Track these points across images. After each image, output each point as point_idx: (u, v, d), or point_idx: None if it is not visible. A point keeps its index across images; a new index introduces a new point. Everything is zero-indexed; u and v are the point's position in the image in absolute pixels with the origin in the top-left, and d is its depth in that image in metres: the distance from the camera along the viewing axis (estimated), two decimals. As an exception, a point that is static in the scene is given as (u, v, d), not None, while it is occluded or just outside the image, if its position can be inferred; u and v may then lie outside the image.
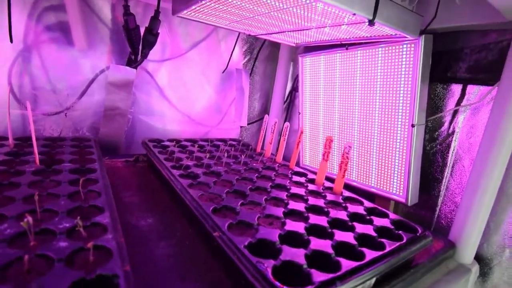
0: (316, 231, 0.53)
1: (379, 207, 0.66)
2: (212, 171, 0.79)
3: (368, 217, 0.61)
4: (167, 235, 0.61)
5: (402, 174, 0.81)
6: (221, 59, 1.23)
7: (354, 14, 0.57)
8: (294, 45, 1.10)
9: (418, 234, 0.56)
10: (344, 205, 0.66)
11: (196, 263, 0.53)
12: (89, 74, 0.94)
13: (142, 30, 0.92)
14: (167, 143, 0.99)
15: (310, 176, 0.85)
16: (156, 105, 1.11)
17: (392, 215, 0.63)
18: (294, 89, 1.31)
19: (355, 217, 0.61)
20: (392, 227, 0.58)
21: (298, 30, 0.84)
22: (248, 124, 1.35)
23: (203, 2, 0.63)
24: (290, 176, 0.83)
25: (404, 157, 0.80)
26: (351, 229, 0.55)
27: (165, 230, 0.62)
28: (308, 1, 0.55)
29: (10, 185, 0.55)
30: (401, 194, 0.81)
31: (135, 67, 0.92)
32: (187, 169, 0.78)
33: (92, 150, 0.81)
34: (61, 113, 0.91)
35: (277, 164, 0.93)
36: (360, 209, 0.64)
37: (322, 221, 0.57)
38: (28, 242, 0.40)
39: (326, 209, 0.62)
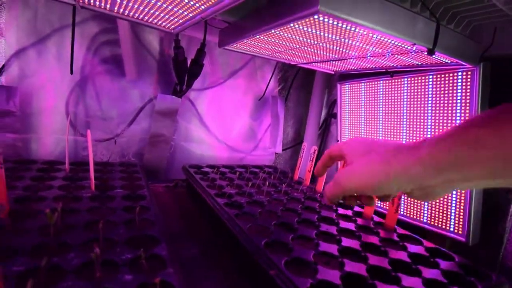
0: (378, 273, 0.49)
1: (442, 248, 0.61)
2: (254, 201, 0.78)
3: (432, 259, 0.56)
4: (213, 268, 0.59)
5: (461, 209, 0.75)
6: (257, 87, 1.25)
7: (414, 44, 0.56)
8: (332, 72, 1.10)
9: (493, 282, 0.50)
10: (401, 244, 0.62)
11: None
12: (138, 103, 0.98)
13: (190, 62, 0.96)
14: (206, 169, 1.00)
15: (356, 209, 0.81)
16: (195, 132, 1.14)
17: (458, 258, 0.58)
18: (331, 115, 1.30)
19: (417, 258, 0.56)
20: (461, 271, 0.53)
21: (342, 59, 0.84)
22: (282, 150, 1.34)
23: (257, 36, 0.65)
24: (335, 208, 0.79)
25: (463, 190, 0.74)
26: (417, 273, 0.50)
27: (210, 263, 0.61)
28: (364, 32, 0.55)
29: (70, 211, 0.57)
30: (460, 232, 0.75)
31: (181, 96, 0.96)
32: (230, 198, 0.77)
33: (139, 176, 0.83)
34: (111, 139, 0.95)
35: (319, 194, 0.90)
36: (420, 250, 0.60)
37: (382, 262, 0.53)
38: (94, 273, 0.40)
39: (383, 248, 0.58)
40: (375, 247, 0.59)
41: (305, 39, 0.67)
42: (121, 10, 0.65)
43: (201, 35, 0.92)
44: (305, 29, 0.55)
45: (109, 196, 0.66)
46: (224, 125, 1.21)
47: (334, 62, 0.93)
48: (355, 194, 0.39)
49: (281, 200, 0.80)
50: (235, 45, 0.81)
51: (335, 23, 0.49)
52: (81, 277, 0.39)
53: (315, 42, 0.68)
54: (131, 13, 0.66)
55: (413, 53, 0.67)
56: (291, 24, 0.51)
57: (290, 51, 0.83)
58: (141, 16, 0.68)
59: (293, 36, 0.65)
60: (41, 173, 0.73)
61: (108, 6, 0.64)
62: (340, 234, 0.63)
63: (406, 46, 0.61)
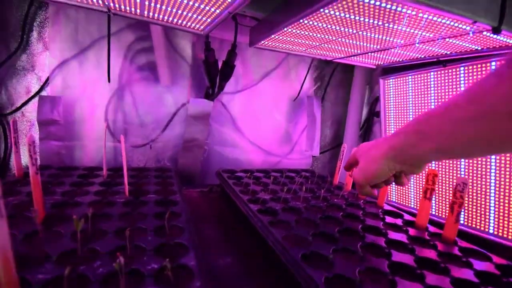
0: (440, 296, 0.41)
1: (518, 266, 0.50)
2: (290, 207, 0.72)
3: (505, 280, 0.46)
4: (247, 279, 0.55)
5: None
6: (292, 87, 1.20)
7: (475, 22, 0.47)
8: (374, 67, 1.01)
9: None
10: (464, 260, 0.52)
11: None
12: (172, 108, 0.99)
13: (219, 64, 0.94)
14: (240, 174, 0.97)
15: (406, 217, 0.72)
16: (229, 136, 1.12)
17: (544, 280, 0.47)
18: (374, 114, 1.20)
19: (486, 278, 0.47)
20: (552, 299, 0.42)
21: (385, 50, 0.76)
22: (320, 153, 1.27)
23: (286, 29, 0.60)
24: (381, 216, 0.71)
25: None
26: (492, 298, 0.41)
27: (246, 273, 0.57)
28: (412, 12, 0.48)
29: (103, 216, 0.57)
30: (538, 246, 0.62)
31: (212, 99, 0.94)
32: (264, 204, 0.72)
33: (172, 181, 0.82)
34: (146, 145, 0.97)
35: (362, 201, 0.82)
36: (489, 267, 0.50)
37: (443, 281, 0.44)
38: (118, 283, 0.38)
39: (442, 265, 0.49)
40: (433, 263, 0.50)
41: (341, 28, 0.61)
42: (151, 13, 0.65)
43: (232, 37, 0.90)
44: (339, 14, 0.49)
45: (141, 202, 0.65)
46: (258, 128, 1.17)
47: (375, 54, 0.85)
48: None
49: (320, 207, 0.74)
50: (266, 42, 0.78)
51: (376, 3, 0.43)
52: (104, 286, 0.37)
53: (353, 31, 0.62)
54: (160, 16, 0.66)
55: (472, 34, 0.57)
56: (322, 10, 0.46)
57: (325, 45, 0.77)
58: (170, 19, 0.67)
59: (327, 25, 0.59)
60: (80, 179, 0.76)
61: (138, 11, 0.64)
62: (389, 246, 0.55)
63: (464, 26, 0.52)
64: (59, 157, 0.89)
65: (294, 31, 0.64)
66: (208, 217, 0.82)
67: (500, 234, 0.69)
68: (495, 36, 0.55)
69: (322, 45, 0.77)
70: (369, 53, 0.82)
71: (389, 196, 1.02)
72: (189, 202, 0.89)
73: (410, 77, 0.92)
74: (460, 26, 0.53)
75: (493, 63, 0.70)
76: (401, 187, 0.98)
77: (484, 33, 0.56)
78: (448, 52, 0.74)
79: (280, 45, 0.80)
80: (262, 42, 0.76)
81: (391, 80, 0.99)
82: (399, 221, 0.69)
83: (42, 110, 0.84)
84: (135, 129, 0.96)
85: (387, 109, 1.02)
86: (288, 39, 0.73)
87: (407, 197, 0.96)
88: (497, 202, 0.70)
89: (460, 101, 0.35)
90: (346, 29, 0.60)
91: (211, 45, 0.97)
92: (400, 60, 0.88)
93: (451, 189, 0.81)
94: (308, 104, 1.22)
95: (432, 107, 0.86)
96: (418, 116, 0.41)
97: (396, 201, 1.00)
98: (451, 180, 0.81)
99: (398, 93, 0.97)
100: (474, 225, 0.75)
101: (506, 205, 0.68)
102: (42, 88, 0.86)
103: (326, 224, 0.64)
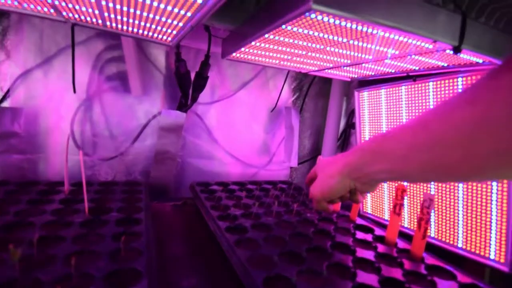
0: (400, 322, 0.40)
1: (481, 284, 0.50)
2: (261, 224, 0.70)
3: (469, 302, 0.46)
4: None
5: (503, 231, 0.63)
6: (270, 98, 1.19)
7: (435, 42, 0.47)
8: (349, 79, 1.01)
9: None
10: (430, 279, 0.51)
11: None
12: (143, 120, 0.96)
13: (193, 75, 0.92)
14: (215, 187, 0.95)
15: (377, 231, 0.71)
16: (205, 147, 1.09)
17: (506, 300, 0.46)
18: (350, 126, 1.20)
19: (450, 300, 0.46)
20: (511, 321, 0.42)
21: (357, 64, 0.76)
22: (298, 164, 1.26)
23: (252, 43, 0.59)
24: (352, 231, 0.70)
25: (505, 211, 0.62)
26: (451, 323, 0.40)
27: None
28: (375, 32, 0.47)
29: (55, 239, 0.53)
30: (501, 260, 0.62)
31: (185, 111, 0.92)
32: (234, 221, 0.70)
33: (140, 197, 0.79)
34: (115, 158, 0.93)
35: (335, 214, 0.81)
36: (454, 286, 0.49)
37: (405, 305, 0.43)
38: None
39: (407, 285, 0.48)
40: (398, 283, 0.49)
41: (308, 44, 0.60)
42: (113, 24, 0.62)
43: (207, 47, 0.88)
44: (302, 31, 0.49)
45: (101, 221, 0.62)
46: (235, 139, 1.15)
47: (349, 68, 0.85)
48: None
49: (292, 222, 0.72)
50: (237, 55, 0.76)
51: (336, 21, 0.42)
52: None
53: (321, 47, 0.61)
54: (124, 27, 0.63)
55: (437, 52, 0.57)
56: (284, 27, 0.45)
57: (297, 58, 0.76)
58: (134, 30, 0.65)
59: (293, 41, 0.58)
60: (39, 196, 0.71)
61: (100, 21, 0.61)
62: (356, 265, 0.54)
63: (426, 45, 0.53)
64: (21, 171, 0.85)
65: (262, 45, 0.63)
66: (178, 233, 0.79)
67: (468, 248, 0.70)
68: (457, 54, 0.55)
69: (294, 58, 0.76)
70: (342, 67, 0.82)
71: (364, 207, 1.02)
72: (160, 216, 0.86)
73: (383, 90, 0.93)
74: (423, 44, 0.54)
75: (460, 79, 0.71)
76: (374, 198, 0.98)
77: (447, 51, 0.56)
78: (417, 68, 0.75)
79: (253, 57, 0.79)
80: (234, 54, 0.75)
81: (365, 93, 1.00)
82: (369, 237, 0.68)
83: (2, 122, 0.79)
84: (104, 141, 0.92)
85: (362, 121, 1.03)
86: (259, 52, 0.72)
87: (381, 209, 0.96)
88: (464, 217, 0.70)
89: (415, 126, 0.35)
90: (313, 45, 0.60)
91: (187, 55, 0.96)
92: (373, 74, 0.89)
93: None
94: (286, 115, 1.22)
95: (403, 120, 0.86)
96: (377, 135, 0.42)
97: (372, 213, 1.00)
98: (421, 194, 0.81)
99: (372, 106, 0.98)
100: (444, 239, 0.75)
101: (474, 219, 0.68)
102: (3, 99, 0.82)
103: (296, 241, 0.62)
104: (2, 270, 0.42)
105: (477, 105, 0.27)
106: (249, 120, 1.17)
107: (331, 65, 0.81)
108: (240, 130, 1.15)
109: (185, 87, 0.88)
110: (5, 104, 0.82)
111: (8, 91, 0.81)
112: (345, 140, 1.25)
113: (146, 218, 0.66)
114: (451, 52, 0.53)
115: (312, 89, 1.26)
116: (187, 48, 0.99)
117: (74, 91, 0.83)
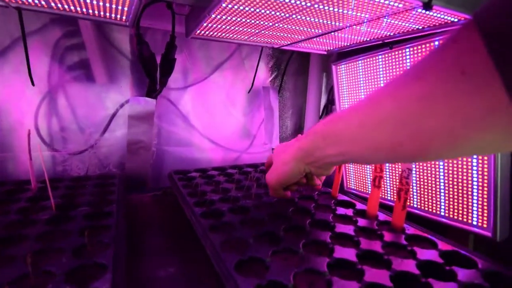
0: (375, 294, 0.38)
1: (462, 251, 0.49)
2: (239, 207, 0.68)
3: (447, 268, 0.44)
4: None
5: (485, 197, 0.62)
6: (247, 79, 1.15)
7: (401, -1, 0.44)
8: (325, 52, 0.98)
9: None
10: (409, 248, 0.50)
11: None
12: (111, 109, 0.91)
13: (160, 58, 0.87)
14: (193, 174, 0.92)
15: (359, 206, 0.70)
16: (182, 135, 1.06)
17: (483, 263, 0.45)
18: (330, 102, 1.17)
19: (428, 268, 0.45)
20: (487, 284, 0.41)
21: (328, 33, 0.72)
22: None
23: (212, 16, 0.55)
24: (333, 207, 0.68)
25: (485, 176, 0.61)
26: (427, 291, 0.39)
27: (189, 284, 0.52)
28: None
29: (17, 238, 0.50)
30: (484, 225, 0.62)
31: (155, 97, 0.87)
32: (211, 206, 0.68)
33: (113, 189, 0.75)
34: (86, 151, 0.89)
35: (316, 192, 0.79)
36: (434, 255, 0.48)
37: (382, 277, 0.42)
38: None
39: (386, 257, 0.47)
40: (377, 256, 0.48)
41: (271, 12, 0.56)
42: (60, 5, 0.57)
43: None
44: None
45: (68, 217, 0.59)
46: (213, 124, 1.11)
47: (322, 40, 0.82)
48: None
49: (272, 203, 0.70)
50: (202, 32, 0.72)
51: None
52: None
53: (286, 15, 0.57)
54: (72, 8, 0.58)
55: (409, 12, 0.54)
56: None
57: (265, 32, 0.72)
58: (84, 10, 0.59)
59: (254, 9, 0.54)
60: (5, 196, 0.67)
61: (43, 3, 0.56)
62: (334, 241, 0.52)
63: (396, 4, 0.49)
64: (-14, 172, 0.80)
65: (224, 17, 0.59)
66: (157, 223, 0.76)
67: (451, 216, 0.69)
68: (428, 12, 0.52)
69: (263, 32, 0.72)
70: (314, 38, 0.78)
71: (348, 183, 1.01)
72: (139, 208, 0.83)
73: (360, 62, 0.90)
74: (392, 3, 0.50)
75: (437, 42, 0.68)
76: (357, 173, 0.96)
77: (419, 10, 0.53)
78: (392, 34, 0.72)
79: (219, 34, 0.74)
80: (197, 31, 0.70)
81: (342, 66, 0.97)
82: (350, 212, 0.66)
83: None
84: (73, 134, 0.88)
85: (341, 95, 1.00)
86: (223, 27, 0.67)
87: (365, 183, 0.95)
88: (446, 185, 0.69)
89: (364, 106, 0.34)
90: (277, 13, 0.56)
91: (153, 38, 0.90)
92: (348, 44, 0.86)
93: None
94: (264, 95, 1.18)
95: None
96: (329, 116, 0.40)
97: (355, 188, 0.99)
98: (399, 164, 0.80)
99: (350, 79, 0.95)
100: (426, 209, 0.74)
101: (455, 187, 0.67)
102: (-45, 97, 0.76)
103: (274, 222, 0.60)
104: None
105: (422, 81, 0.26)
106: (227, 103, 1.13)
107: (302, 37, 0.78)
108: (218, 114, 1.11)
109: (151, 72, 0.83)
110: (-42, 102, 0.76)
111: (-43, 88, 0.75)
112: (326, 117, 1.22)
113: (117, 211, 0.63)
114: (423, 10, 0.50)
115: (290, 66, 1.22)
116: (153, 30, 0.93)
117: (33, 84, 0.78)
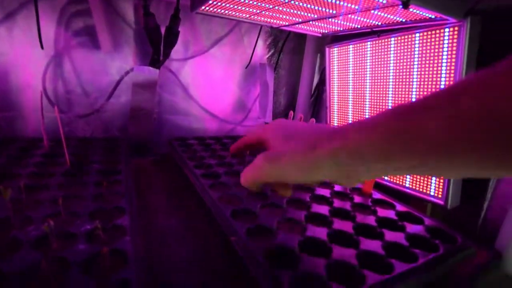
0: (339, 238, 0.49)
1: (414, 212, 0.61)
2: (234, 170, 0.77)
3: (400, 223, 0.56)
4: (186, 236, 0.60)
5: (441, 173, 0.73)
6: (245, 55, 1.20)
7: (382, -2, 0.51)
8: (320, 35, 1.04)
9: (458, 244, 0.50)
10: (373, 208, 0.61)
11: (214, 263, 0.52)
12: (116, 76, 0.96)
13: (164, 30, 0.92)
14: (192, 141, 1.00)
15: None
16: (181, 104, 1.12)
17: (429, 221, 0.57)
18: (321, 82, 1.25)
19: (384, 223, 0.56)
20: (428, 235, 0.52)
21: (323, 19, 0.79)
22: (273, 120, 1.32)
23: (219, -4, 0.61)
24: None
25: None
26: (380, 236, 0.50)
27: (185, 231, 0.62)
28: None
29: (41, 187, 0.58)
30: (439, 195, 0.74)
31: (158, 67, 0.93)
32: (209, 168, 0.77)
33: (119, 150, 0.83)
34: (91, 115, 0.95)
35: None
36: (391, 214, 0.59)
37: (347, 227, 0.53)
38: (51, 244, 0.41)
39: (352, 214, 0.58)
40: (345, 213, 0.59)
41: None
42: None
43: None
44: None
45: (83, 171, 0.67)
46: (210, 95, 1.18)
47: (318, 24, 0.88)
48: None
49: (261, 169, 0.80)
50: (207, 8, 0.77)
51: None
52: (37, 248, 0.40)
53: (285, 0, 0.64)
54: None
55: (390, 8, 0.61)
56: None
57: (267, 12, 0.78)
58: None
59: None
60: (19, 152, 0.74)
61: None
62: (312, 201, 0.63)
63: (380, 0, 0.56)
64: (-3, 129, 0.86)
65: (228, -3, 0.64)
66: (158, 184, 0.85)
67: (414, 187, 0.81)
68: (406, 9, 0.60)
69: (263, 12, 0.78)
70: (310, 22, 0.84)
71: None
72: (140, 171, 0.91)
73: (351, 46, 0.97)
74: (377, -1, 0.57)
75: (417, 35, 0.76)
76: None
77: (400, 7, 0.60)
78: (380, 24, 0.79)
79: (222, 11, 0.80)
80: (203, 7, 0.75)
81: (335, 49, 1.04)
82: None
83: (-31, 79, 0.78)
84: (78, 98, 0.93)
85: (331, 77, 1.08)
86: (228, 5, 0.73)
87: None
88: (412, 160, 0.80)
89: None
90: (278, -2, 0.62)
91: (157, 9, 0.94)
92: (341, 29, 0.92)
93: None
94: (261, 72, 1.24)
95: (367, 75, 0.92)
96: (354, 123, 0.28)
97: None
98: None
99: (340, 62, 1.02)
100: (395, 181, 0.86)
101: (419, 162, 0.78)
102: (-33, 56, 0.80)
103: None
104: (-6, 210, 0.47)
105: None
106: (224, 77, 1.19)
107: (300, 20, 0.84)
108: (216, 87, 1.18)
109: (155, 43, 0.88)
110: (-30, 61, 0.80)
111: (-30, 47, 0.79)
112: (317, 97, 1.31)
113: (125, 168, 0.71)
114: (401, 7, 0.57)
115: (287, 45, 1.27)
116: (157, 1, 0.96)
117: (42, 47, 0.82)
